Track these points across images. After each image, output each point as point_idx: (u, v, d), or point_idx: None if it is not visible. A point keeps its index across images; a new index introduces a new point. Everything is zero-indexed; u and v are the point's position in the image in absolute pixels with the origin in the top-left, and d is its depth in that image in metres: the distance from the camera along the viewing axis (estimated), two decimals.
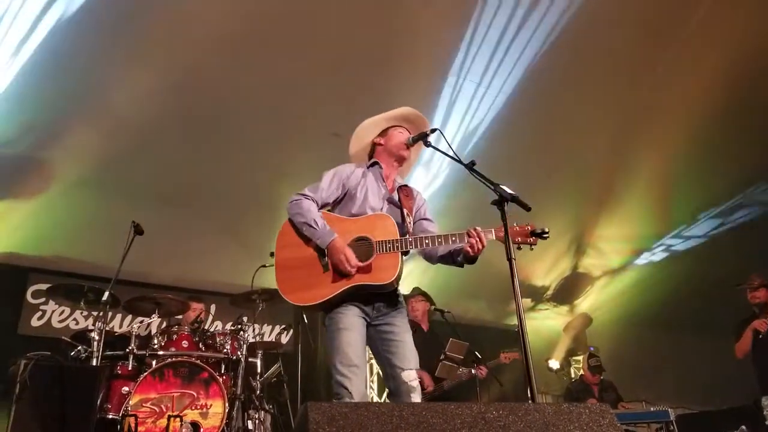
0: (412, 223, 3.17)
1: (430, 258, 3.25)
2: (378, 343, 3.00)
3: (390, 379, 2.94)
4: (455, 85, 6.63)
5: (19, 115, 5.75)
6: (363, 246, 2.96)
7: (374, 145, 3.42)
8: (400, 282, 3.06)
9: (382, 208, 3.15)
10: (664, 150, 7.39)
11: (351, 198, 3.18)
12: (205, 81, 5.91)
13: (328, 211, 3.22)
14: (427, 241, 2.96)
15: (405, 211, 3.15)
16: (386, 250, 2.93)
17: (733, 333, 5.79)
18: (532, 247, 2.87)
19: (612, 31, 6.16)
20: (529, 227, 2.85)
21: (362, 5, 5.69)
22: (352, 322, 2.91)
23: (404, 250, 2.95)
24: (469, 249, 2.89)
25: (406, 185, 3.36)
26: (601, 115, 7.08)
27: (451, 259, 3.12)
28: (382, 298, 3.01)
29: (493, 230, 2.87)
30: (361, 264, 2.91)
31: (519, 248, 2.84)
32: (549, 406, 1.90)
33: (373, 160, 3.36)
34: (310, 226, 3.00)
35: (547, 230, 2.85)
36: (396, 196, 3.25)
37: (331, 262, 2.94)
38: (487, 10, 5.91)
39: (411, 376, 2.89)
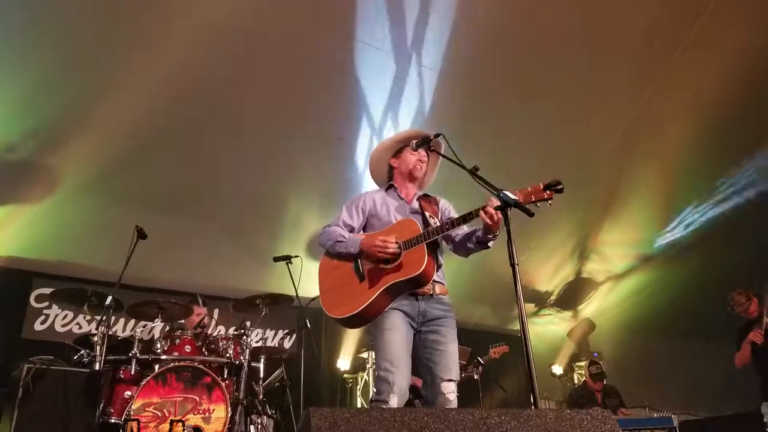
0: (438, 223, 3.22)
1: (460, 248, 3.25)
2: (422, 350, 3.02)
3: (428, 387, 2.96)
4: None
5: (22, 121, 5.78)
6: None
7: (390, 167, 3.51)
8: (437, 277, 3.11)
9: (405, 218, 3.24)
10: (667, 155, 7.38)
11: (375, 217, 3.31)
12: (209, 86, 5.92)
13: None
14: (447, 226, 3.01)
15: (428, 214, 3.22)
16: (412, 246, 3.00)
17: (734, 343, 5.77)
18: (550, 202, 2.73)
19: (615, 37, 6.17)
20: (540, 184, 2.73)
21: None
22: (395, 324, 2.97)
23: (428, 240, 2.99)
24: (486, 221, 2.88)
25: (425, 195, 3.45)
26: (605, 121, 7.09)
27: (474, 240, 3.12)
28: (428, 304, 3.05)
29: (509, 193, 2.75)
30: (393, 264, 2.99)
31: (537, 206, 2.72)
32: (550, 412, 1.90)
33: (389, 184, 3.47)
34: (339, 241, 3.18)
35: (560, 182, 2.71)
36: (417, 205, 3.32)
37: (370, 259, 3.07)
38: None
39: (450, 387, 2.90)
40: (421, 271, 2.93)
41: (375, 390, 2.86)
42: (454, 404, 2.88)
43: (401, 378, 2.83)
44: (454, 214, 3.38)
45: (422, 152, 3.40)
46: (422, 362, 3.00)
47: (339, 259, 3.21)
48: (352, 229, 3.30)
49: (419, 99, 6.56)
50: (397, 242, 3.02)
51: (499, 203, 2.75)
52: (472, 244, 3.15)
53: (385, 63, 6.16)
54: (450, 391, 2.89)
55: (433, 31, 5.92)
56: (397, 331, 2.95)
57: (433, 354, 2.97)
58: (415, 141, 3.28)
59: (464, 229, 3.24)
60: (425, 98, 6.58)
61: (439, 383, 2.89)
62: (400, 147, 3.48)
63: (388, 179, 3.52)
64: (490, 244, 3.09)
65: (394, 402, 2.79)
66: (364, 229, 3.35)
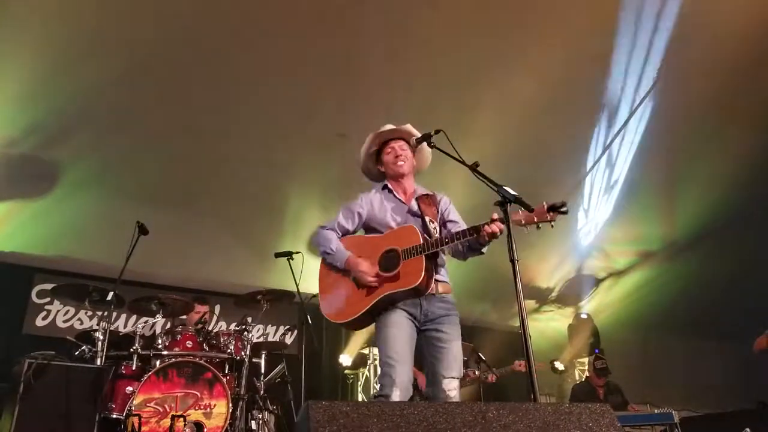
0: (438, 227, 3.25)
1: (459, 254, 3.28)
2: (425, 348, 3.04)
3: (431, 384, 2.98)
4: None
5: (24, 116, 5.78)
6: (391, 257, 3.07)
7: (379, 171, 3.54)
8: (440, 276, 3.14)
9: (406, 221, 3.24)
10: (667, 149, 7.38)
11: (374, 220, 3.32)
12: (210, 81, 5.92)
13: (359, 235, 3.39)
14: (447, 240, 3.01)
15: (427, 218, 3.23)
16: (411, 256, 3.01)
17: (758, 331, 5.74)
18: (552, 224, 2.77)
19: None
20: (545, 204, 2.75)
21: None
22: (397, 321, 3.00)
23: (428, 252, 2.99)
24: (489, 233, 2.90)
25: (426, 194, 3.43)
26: None
27: (470, 247, 3.16)
28: (430, 303, 3.07)
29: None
30: (388, 274, 3.03)
31: (538, 228, 2.76)
32: (549, 405, 1.90)
33: (383, 184, 3.48)
34: (328, 253, 3.23)
35: (565, 203, 2.73)
36: (415, 206, 3.32)
37: (353, 278, 3.11)
38: None
39: (452, 385, 2.92)
40: (417, 284, 2.95)
41: (378, 386, 2.90)
42: (457, 400, 2.91)
43: (403, 372, 2.86)
44: (454, 214, 3.39)
45: (397, 144, 3.40)
46: (425, 360, 3.03)
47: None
48: (346, 232, 3.32)
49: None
50: (376, 276, 3.04)
51: (502, 222, 2.81)
52: (466, 250, 3.18)
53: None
54: (452, 388, 2.91)
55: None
56: (400, 328, 2.98)
57: (435, 351, 2.99)
58: (414, 138, 3.27)
59: (454, 221, 3.30)
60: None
61: (441, 380, 2.91)
62: (375, 151, 3.50)
63: (382, 179, 3.53)
64: (484, 249, 3.12)
65: (396, 396, 2.81)
66: (365, 230, 3.37)
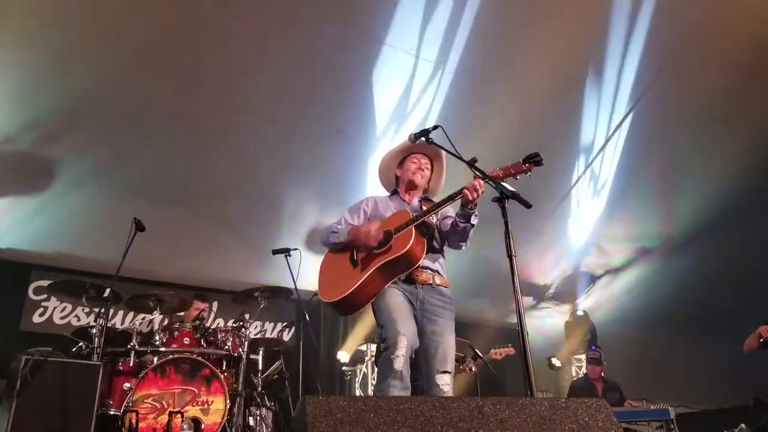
0: (439, 221, 3.37)
1: (451, 241, 3.34)
2: (420, 339, 3.07)
3: (424, 378, 3.01)
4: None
5: (20, 112, 5.76)
6: (385, 238, 3.17)
7: (396, 176, 3.63)
8: (437, 267, 3.25)
9: None
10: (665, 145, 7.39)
11: (375, 217, 3.43)
12: (207, 78, 5.91)
13: None
14: (434, 207, 3.13)
15: (425, 209, 3.30)
16: (401, 230, 3.13)
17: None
18: (529, 174, 2.85)
19: None
20: (519, 159, 2.86)
21: None
22: (395, 294, 3.11)
23: (415, 222, 3.09)
24: (467, 193, 2.97)
25: (426, 197, 3.56)
26: None
27: (460, 224, 3.18)
28: (427, 293, 3.14)
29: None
30: (382, 249, 3.12)
31: (516, 179, 2.85)
32: (545, 400, 1.90)
33: (393, 189, 3.62)
34: (333, 231, 3.37)
35: (538, 154, 2.82)
36: (417, 204, 3.44)
37: (360, 246, 3.21)
38: None
39: (445, 379, 2.95)
40: (407, 249, 3.01)
41: (383, 344, 2.95)
42: (450, 395, 2.92)
43: (407, 325, 2.95)
44: (452, 211, 3.42)
45: (423, 160, 3.52)
46: (419, 352, 3.05)
47: (337, 253, 3.36)
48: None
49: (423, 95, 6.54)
50: (387, 234, 3.15)
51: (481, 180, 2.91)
52: (457, 225, 3.20)
53: (391, 58, 6.15)
54: (445, 383, 2.94)
55: (437, 29, 5.91)
56: (397, 298, 3.08)
57: (430, 345, 3.01)
58: (413, 132, 3.29)
59: (451, 216, 3.35)
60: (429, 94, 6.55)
61: (434, 374, 2.93)
62: (403, 157, 3.58)
63: (395, 186, 3.65)
64: (473, 220, 3.13)
65: (403, 345, 2.87)
66: None
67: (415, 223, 3.10)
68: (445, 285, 3.23)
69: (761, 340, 5.43)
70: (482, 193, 2.97)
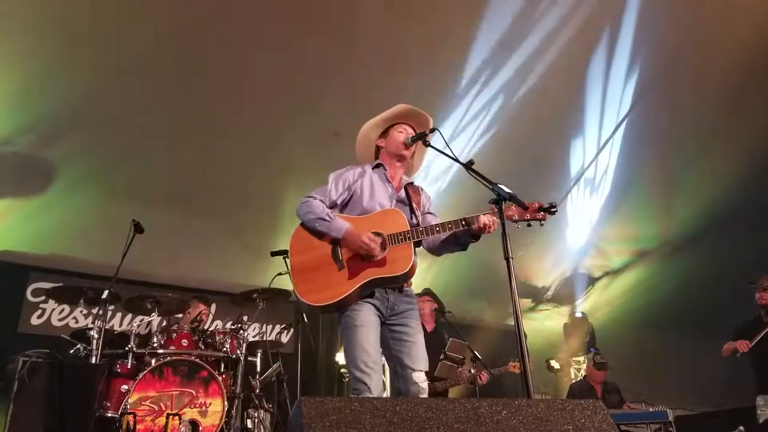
0: (420, 216, 3.23)
1: (435, 248, 3.27)
2: (390, 342, 3.03)
3: (400, 379, 2.98)
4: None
5: (19, 115, 5.76)
6: (381, 245, 3.00)
7: (377, 147, 3.43)
8: (413, 276, 3.09)
9: (391, 207, 3.18)
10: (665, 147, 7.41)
11: (358, 197, 3.20)
12: (206, 80, 5.91)
13: (338, 213, 3.22)
14: (438, 228, 3.00)
15: (414, 206, 3.21)
16: (398, 242, 2.97)
17: (733, 334, 5.79)
18: (542, 223, 2.91)
19: None
20: (536, 203, 2.90)
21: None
22: (368, 320, 2.93)
23: (416, 240, 2.99)
24: (482, 227, 2.93)
25: (412, 183, 3.41)
26: None
27: (454, 241, 3.14)
28: (396, 297, 3.06)
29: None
30: (379, 255, 2.95)
31: (529, 225, 2.91)
32: (542, 401, 1.90)
33: (377, 162, 3.38)
34: (324, 220, 3.03)
35: (555, 204, 2.88)
36: (404, 194, 3.28)
37: (350, 250, 2.99)
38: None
39: (421, 377, 2.94)
40: (406, 271, 2.94)
41: (354, 390, 2.83)
42: (426, 393, 2.93)
43: (377, 378, 2.85)
44: (431, 210, 3.37)
45: (410, 131, 3.33)
46: (391, 354, 3.02)
47: (316, 238, 3.07)
48: (334, 205, 3.18)
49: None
50: (382, 245, 2.96)
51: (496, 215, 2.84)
52: (448, 247, 3.18)
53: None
54: (422, 380, 2.94)
55: None
56: (371, 328, 2.92)
57: (403, 345, 2.99)
58: (410, 137, 3.27)
59: (433, 214, 3.31)
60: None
61: (411, 374, 2.93)
62: (387, 126, 3.40)
63: (375, 158, 3.44)
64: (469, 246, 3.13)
65: (369, 395, 2.80)
66: (345, 204, 3.24)
67: (414, 240, 2.98)
68: (410, 285, 3.16)
69: (737, 355, 5.50)
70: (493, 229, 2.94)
